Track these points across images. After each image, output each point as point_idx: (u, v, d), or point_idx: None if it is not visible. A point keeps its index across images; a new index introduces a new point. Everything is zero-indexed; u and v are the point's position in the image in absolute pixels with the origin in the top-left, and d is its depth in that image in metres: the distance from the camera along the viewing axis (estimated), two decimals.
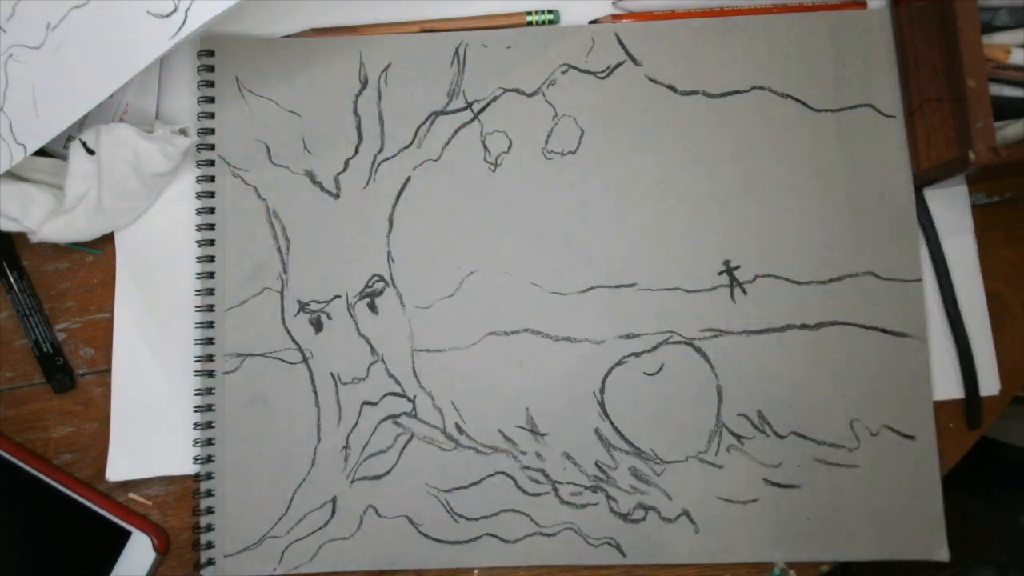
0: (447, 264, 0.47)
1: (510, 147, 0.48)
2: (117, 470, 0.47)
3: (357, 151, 0.48)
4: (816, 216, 0.47)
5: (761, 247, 0.47)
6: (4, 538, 0.46)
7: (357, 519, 0.46)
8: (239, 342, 0.47)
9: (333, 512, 0.46)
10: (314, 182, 0.48)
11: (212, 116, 0.48)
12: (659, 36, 0.48)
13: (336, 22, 0.49)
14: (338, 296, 0.47)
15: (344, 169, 0.48)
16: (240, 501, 0.46)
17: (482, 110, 0.48)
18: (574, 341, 0.46)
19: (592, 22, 0.49)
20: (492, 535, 0.46)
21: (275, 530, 0.46)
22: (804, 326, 0.46)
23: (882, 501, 0.45)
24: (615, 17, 0.49)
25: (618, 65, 0.48)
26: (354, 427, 0.46)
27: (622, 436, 0.46)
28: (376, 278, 0.47)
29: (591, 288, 0.47)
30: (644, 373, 0.46)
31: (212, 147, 0.48)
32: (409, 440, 0.46)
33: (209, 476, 0.46)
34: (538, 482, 0.46)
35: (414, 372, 0.47)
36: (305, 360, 0.47)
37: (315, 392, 0.47)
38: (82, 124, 0.46)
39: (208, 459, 0.46)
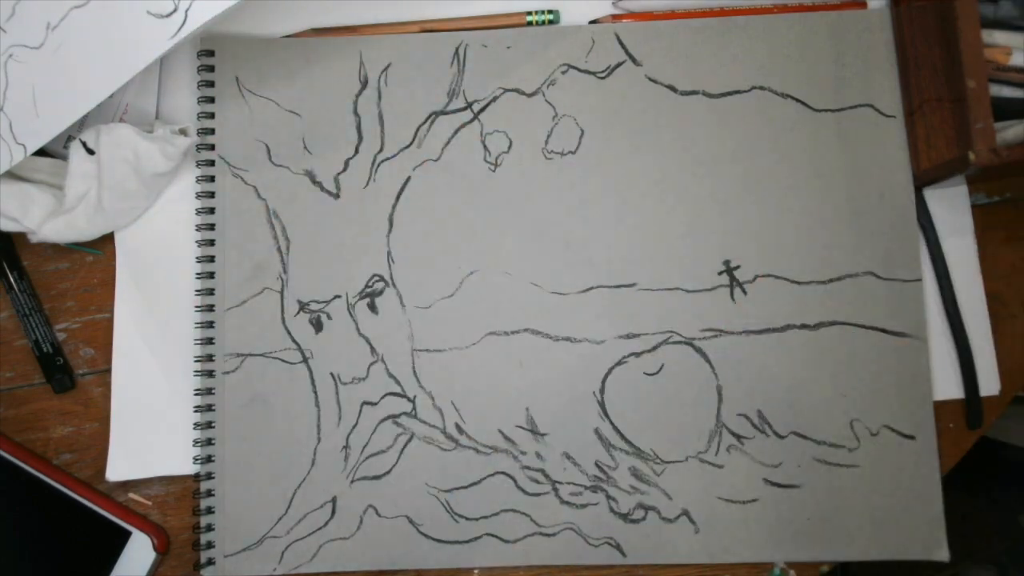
0: (447, 264, 0.47)
1: (510, 147, 0.48)
2: (117, 470, 0.47)
3: (357, 151, 0.48)
4: (816, 216, 0.47)
5: (761, 247, 0.47)
6: (4, 538, 0.46)
7: (357, 519, 0.46)
8: (239, 342, 0.47)
9: (333, 512, 0.46)
10: (314, 182, 0.48)
11: (212, 116, 0.48)
12: (659, 36, 0.48)
13: (336, 22, 0.49)
14: (338, 296, 0.47)
15: (344, 169, 0.48)
16: (240, 501, 0.46)
17: (482, 110, 0.48)
18: (574, 341, 0.46)
19: (592, 22, 0.49)
20: (492, 535, 0.46)
21: (275, 530, 0.46)
22: (804, 326, 0.46)
23: (882, 501, 0.45)
24: (615, 17, 0.49)
25: (618, 65, 0.48)
26: (354, 427, 0.46)
27: (622, 436, 0.46)
28: (376, 278, 0.47)
29: (591, 288, 0.47)
30: (644, 373, 0.46)
31: (212, 147, 0.48)
32: (409, 440, 0.46)
33: (209, 476, 0.46)
34: (538, 482, 0.46)
35: (414, 372, 0.47)
36: (305, 360, 0.47)
37: (315, 392, 0.47)
38: (82, 124, 0.46)
39: (208, 459, 0.46)
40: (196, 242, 0.47)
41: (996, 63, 0.44)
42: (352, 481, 0.46)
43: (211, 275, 0.47)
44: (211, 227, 0.47)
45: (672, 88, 0.48)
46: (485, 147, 0.48)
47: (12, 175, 0.45)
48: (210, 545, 0.46)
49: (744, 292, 0.47)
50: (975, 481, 0.49)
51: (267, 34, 0.49)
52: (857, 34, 0.48)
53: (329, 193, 0.48)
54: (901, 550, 0.45)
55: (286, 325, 0.47)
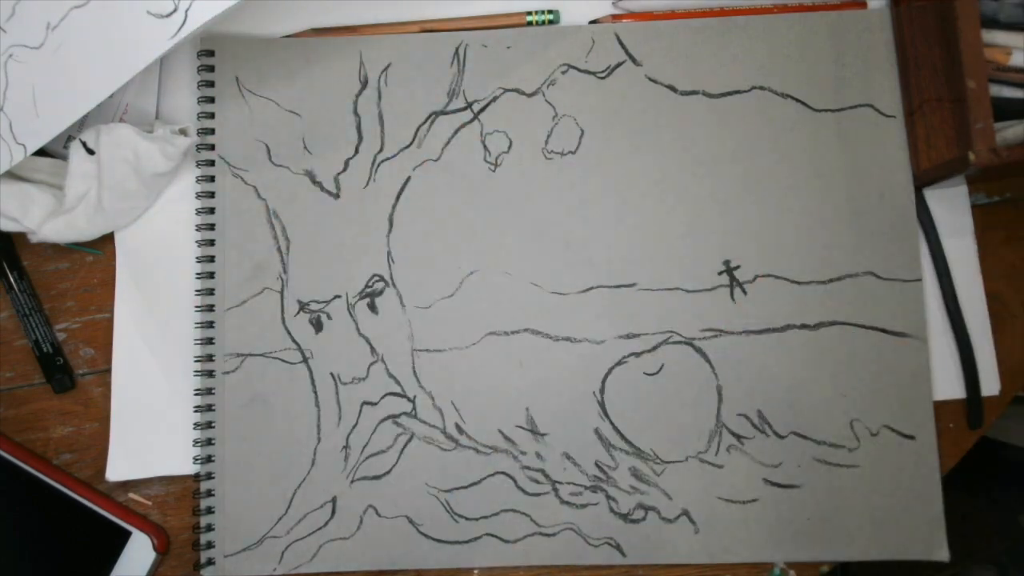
0: (447, 264, 0.47)
1: (510, 147, 0.48)
2: (117, 470, 0.47)
3: (357, 151, 0.48)
4: (816, 216, 0.47)
5: (761, 247, 0.47)
6: (4, 538, 0.46)
7: (357, 519, 0.46)
8: (239, 342, 0.47)
9: (333, 512, 0.46)
10: (314, 182, 0.48)
11: (212, 116, 0.48)
12: (659, 36, 0.48)
13: (336, 22, 0.49)
14: (338, 296, 0.47)
15: (344, 169, 0.48)
16: (240, 501, 0.46)
17: (482, 110, 0.48)
18: (574, 341, 0.46)
19: (592, 22, 0.49)
20: (492, 535, 0.46)
21: (275, 530, 0.46)
22: (804, 326, 0.46)
23: (882, 501, 0.45)
24: (615, 17, 0.49)
25: (618, 65, 0.48)
26: (354, 427, 0.46)
27: (622, 436, 0.46)
28: (376, 278, 0.47)
29: (591, 288, 0.47)
30: (644, 373, 0.46)
31: (212, 147, 0.48)
32: (409, 440, 0.46)
33: (209, 476, 0.46)
34: (538, 482, 0.46)
35: (414, 372, 0.47)
36: (305, 360, 0.47)
37: (315, 392, 0.47)
38: (82, 124, 0.46)
39: (208, 459, 0.46)
40: (196, 242, 0.47)
41: (996, 63, 0.44)
42: (352, 481, 0.46)
43: (211, 275, 0.47)
44: (211, 227, 0.47)
45: (672, 88, 0.48)
46: (485, 147, 0.48)
47: (12, 175, 0.45)
48: (210, 545, 0.46)
49: (744, 292, 0.47)
50: (975, 481, 0.49)
51: (267, 34, 0.49)
52: (857, 34, 0.48)
53: (329, 193, 0.48)
54: (901, 550, 0.45)
55: (286, 325, 0.47)
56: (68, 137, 0.46)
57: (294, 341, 0.47)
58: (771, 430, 0.46)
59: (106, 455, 0.47)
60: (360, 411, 0.46)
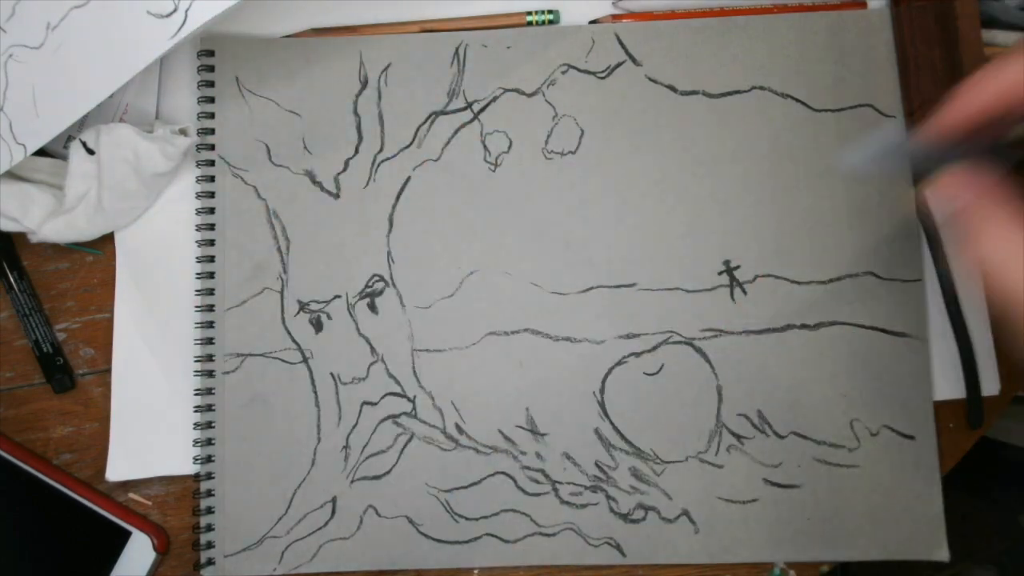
0: (447, 264, 0.47)
1: (510, 147, 0.48)
2: (117, 470, 0.47)
3: (357, 151, 0.48)
4: (816, 216, 0.47)
5: (761, 247, 0.47)
6: (4, 538, 0.46)
7: (357, 519, 0.46)
8: (239, 342, 0.47)
9: (333, 512, 0.46)
10: (314, 182, 0.48)
11: (212, 116, 0.48)
12: (659, 36, 0.48)
13: (336, 22, 0.49)
14: (338, 296, 0.47)
15: (344, 169, 0.48)
16: (240, 501, 0.46)
17: (482, 110, 0.48)
18: (574, 341, 0.46)
19: (592, 22, 0.49)
20: (492, 535, 0.46)
21: (275, 530, 0.46)
22: (804, 326, 0.46)
23: (882, 501, 0.45)
24: (615, 17, 0.49)
25: (618, 65, 0.48)
26: (354, 427, 0.46)
27: (622, 436, 0.46)
28: (376, 278, 0.47)
29: (591, 288, 0.47)
30: (644, 373, 0.46)
31: (212, 147, 0.48)
32: (409, 440, 0.46)
33: (209, 476, 0.46)
34: (538, 482, 0.46)
35: (414, 372, 0.47)
36: (305, 360, 0.47)
37: (315, 392, 0.47)
38: (82, 124, 0.46)
39: (208, 459, 0.46)
40: (196, 242, 0.47)
41: None
42: (352, 481, 0.46)
43: (211, 275, 0.47)
44: (211, 227, 0.47)
45: (672, 88, 0.48)
46: (485, 147, 0.48)
47: (12, 175, 0.45)
48: (210, 545, 0.46)
49: (744, 292, 0.47)
50: (975, 481, 0.49)
51: (267, 34, 0.49)
52: (857, 34, 0.48)
53: (329, 193, 0.48)
54: (901, 550, 0.45)
55: (286, 325, 0.47)
56: (68, 137, 0.46)
57: (294, 341, 0.47)
58: (771, 430, 0.46)
59: (106, 455, 0.47)
60: (360, 411, 0.46)
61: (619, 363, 0.46)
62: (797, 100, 0.48)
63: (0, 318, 0.49)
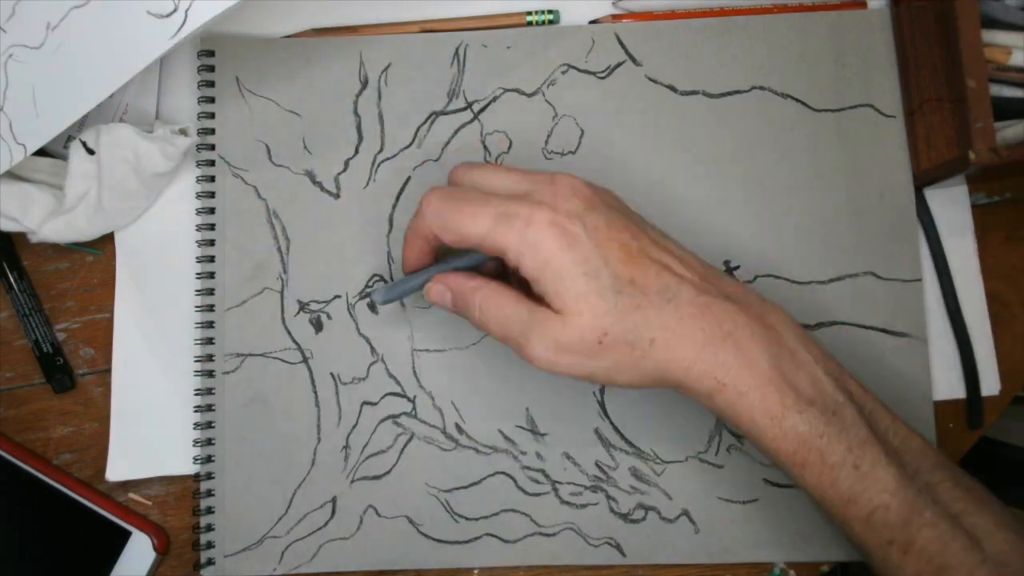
0: None
1: (510, 147, 0.48)
2: (117, 470, 0.47)
3: (357, 151, 0.48)
4: (816, 216, 0.47)
5: (761, 247, 0.47)
6: (4, 538, 0.46)
7: (357, 519, 0.46)
8: (239, 342, 0.47)
9: (333, 512, 0.46)
10: (314, 182, 0.48)
11: (212, 116, 0.48)
12: (659, 36, 0.48)
13: (336, 22, 0.49)
14: (338, 296, 0.47)
15: (344, 169, 0.48)
16: (240, 501, 0.46)
17: (482, 110, 0.48)
18: None
19: (592, 22, 0.49)
20: (492, 535, 0.46)
21: (275, 530, 0.46)
22: (804, 326, 0.46)
23: None
24: (615, 17, 0.49)
25: (618, 65, 0.48)
26: (354, 427, 0.46)
27: (622, 436, 0.46)
28: (376, 278, 0.47)
29: None
30: None
31: (212, 147, 0.48)
32: (409, 440, 0.46)
33: (209, 476, 0.46)
34: (538, 482, 0.46)
35: (414, 372, 0.47)
36: (305, 360, 0.47)
37: (315, 392, 0.47)
38: (82, 124, 0.46)
39: (208, 459, 0.46)
40: (196, 242, 0.47)
41: (996, 63, 0.44)
42: (352, 481, 0.46)
43: (211, 275, 0.47)
44: (211, 227, 0.47)
45: (672, 88, 0.48)
46: (485, 147, 0.48)
47: (12, 175, 0.45)
48: (210, 545, 0.46)
49: None
50: None
51: (267, 34, 0.49)
52: (857, 34, 0.48)
53: (329, 193, 0.48)
54: None
55: (286, 325, 0.47)
56: (68, 137, 0.46)
57: (294, 341, 0.47)
58: None
59: (106, 455, 0.47)
60: (360, 411, 0.46)
61: None
62: (797, 100, 0.48)
63: (0, 318, 0.49)
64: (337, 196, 0.48)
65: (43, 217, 0.45)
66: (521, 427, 0.46)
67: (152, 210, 0.48)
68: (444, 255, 0.42)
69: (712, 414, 0.46)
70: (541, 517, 0.46)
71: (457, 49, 0.48)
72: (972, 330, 0.47)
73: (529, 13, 0.49)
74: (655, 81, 0.48)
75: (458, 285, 0.39)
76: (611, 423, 0.46)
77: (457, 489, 0.46)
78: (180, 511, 0.47)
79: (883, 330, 0.46)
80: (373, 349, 0.47)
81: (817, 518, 0.45)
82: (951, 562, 0.34)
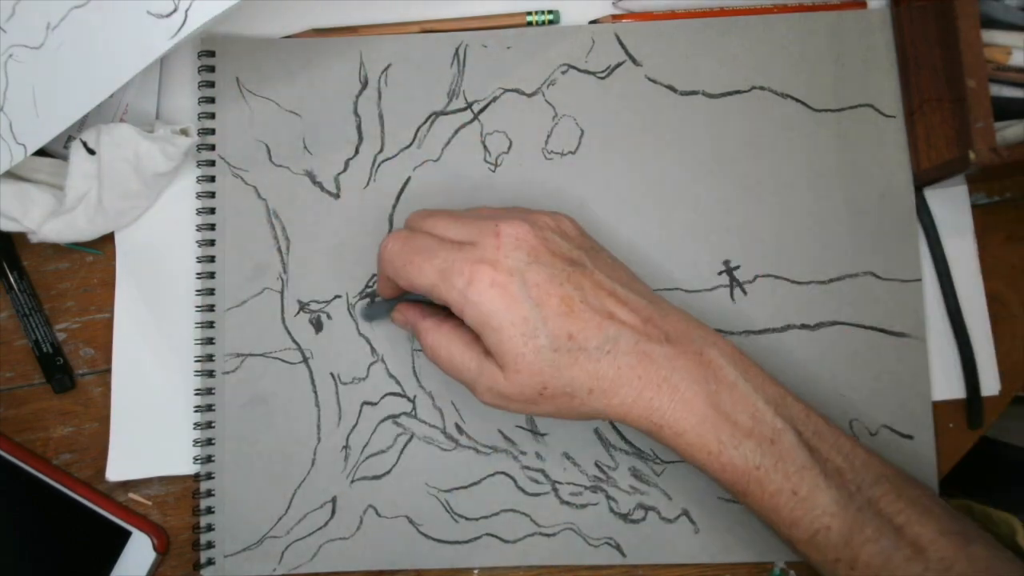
0: None
1: (510, 147, 0.48)
2: (117, 470, 0.47)
3: (357, 151, 0.48)
4: (816, 216, 0.47)
5: (761, 247, 0.47)
6: (4, 538, 0.46)
7: (357, 519, 0.46)
8: (239, 342, 0.47)
9: (333, 512, 0.46)
10: (314, 182, 0.48)
11: (212, 116, 0.48)
12: (659, 36, 0.48)
13: (336, 22, 0.49)
14: (338, 296, 0.47)
15: (344, 169, 0.48)
16: (240, 501, 0.46)
17: (482, 110, 0.48)
18: None
19: (592, 22, 0.49)
20: (492, 535, 0.46)
21: (275, 530, 0.46)
22: (804, 326, 0.46)
23: None
24: (615, 17, 0.49)
25: (618, 65, 0.48)
26: (354, 427, 0.46)
27: (622, 436, 0.46)
28: (376, 278, 0.47)
29: None
30: None
31: (212, 147, 0.48)
32: (409, 440, 0.46)
33: (209, 476, 0.46)
34: (538, 482, 0.46)
35: (414, 372, 0.47)
36: (305, 360, 0.47)
37: (315, 392, 0.47)
38: (82, 124, 0.46)
39: (208, 459, 0.46)
40: (196, 242, 0.47)
41: (996, 63, 0.44)
42: (352, 481, 0.46)
43: (211, 275, 0.47)
44: (211, 227, 0.47)
45: (672, 88, 0.48)
46: (485, 147, 0.48)
47: (12, 175, 0.45)
48: (210, 545, 0.46)
49: (744, 292, 0.47)
50: (975, 481, 0.48)
51: (267, 34, 0.49)
52: (857, 34, 0.48)
53: (329, 193, 0.48)
54: None
55: (286, 325, 0.47)
56: (68, 137, 0.47)
57: (294, 341, 0.47)
58: None
59: (106, 455, 0.47)
60: (360, 411, 0.46)
61: None
62: (797, 100, 0.48)
63: (0, 318, 0.49)
64: (337, 196, 0.48)
65: (43, 217, 0.45)
66: (521, 427, 0.46)
67: (152, 210, 0.48)
68: None
69: None
70: (541, 517, 0.46)
71: (457, 49, 0.48)
72: (972, 330, 0.47)
73: (529, 13, 0.49)
74: (655, 81, 0.48)
75: (414, 321, 0.42)
76: (611, 423, 0.46)
77: (457, 489, 0.46)
78: (180, 511, 0.47)
79: (883, 330, 0.46)
80: (373, 349, 0.47)
81: None
82: (896, 574, 0.36)
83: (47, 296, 0.49)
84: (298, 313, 0.47)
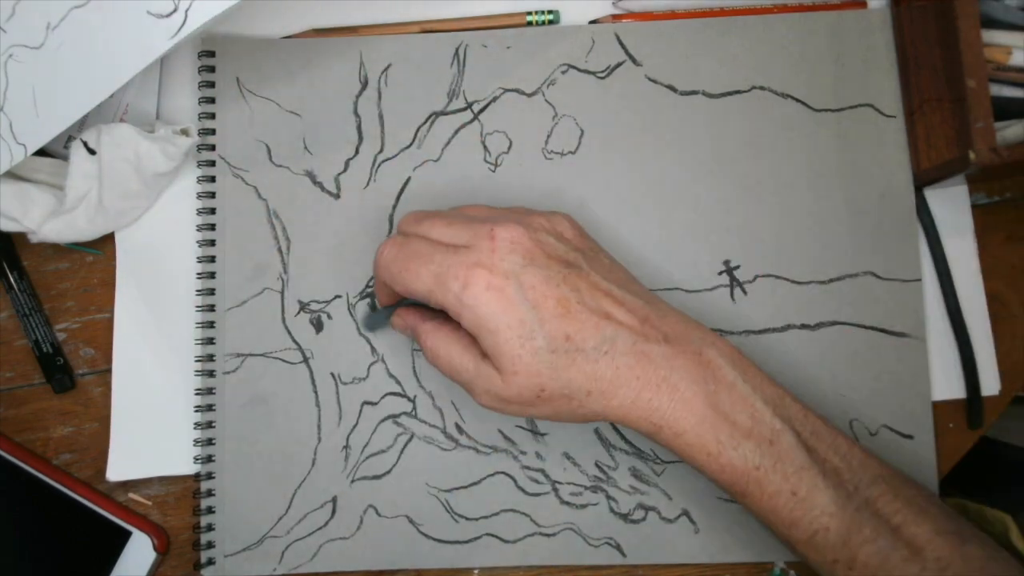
0: None
1: (510, 147, 0.48)
2: (117, 470, 0.47)
3: (357, 151, 0.48)
4: (816, 216, 0.47)
5: (761, 247, 0.47)
6: (4, 538, 0.46)
7: (357, 519, 0.46)
8: (239, 342, 0.47)
9: (333, 512, 0.46)
10: (314, 182, 0.48)
11: (213, 116, 0.48)
12: (659, 36, 0.48)
13: (336, 22, 0.49)
14: (338, 296, 0.47)
15: (344, 169, 0.48)
16: (240, 501, 0.46)
17: (482, 110, 0.48)
18: None
19: (592, 22, 0.49)
20: (492, 535, 0.46)
21: (275, 530, 0.46)
22: (804, 326, 0.46)
23: None
24: (615, 17, 0.49)
25: (618, 65, 0.48)
26: (354, 427, 0.46)
27: (622, 436, 0.46)
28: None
29: None
30: None
31: (212, 147, 0.48)
32: (409, 440, 0.46)
33: (209, 476, 0.46)
34: (538, 482, 0.46)
35: (414, 372, 0.47)
36: (305, 360, 0.47)
37: (315, 392, 0.47)
38: (82, 124, 0.46)
39: (208, 459, 0.46)
40: (196, 242, 0.47)
41: (996, 63, 0.44)
42: (352, 481, 0.46)
43: (211, 275, 0.47)
44: (211, 227, 0.47)
45: (672, 88, 0.48)
46: (485, 147, 0.48)
47: (12, 175, 0.45)
48: (210, 545, 0.46)
49: (744, 292, 0.47)
50: (975, 481, 0.48)
51: (267, 34, 0.49)
52: (857, 34, 0.48)
53: (329, 193, 0.48)
54: None
55: (286, 325, 0.47)
56: (68, 137, 0.47)
57: (294, 341, 0.47)
58: None
59: (106, 455, 0.47)
60: (360, 411, 0.46)
61: None
62: (797, 100, 0.48)
63: (0, 318, 0.49)
64: (337, 196, 0.48)
65: (43, 217, 0.45)
66: (521, 427, 0.46)
67: (152, 210, 0.48)
68: None
69: None
70: (541, 517, 0.46)
71: (457, 49, 0.48)
72: (972, 330, 0.47)
73: (529, 13, 0.49)
74: (655, 81, 0.48)
75: (414, 324, 0.42)
76: (611, 423, 0.46)
77: (457, 489, 0.46)
78: (180, 511, 0.47)
79: (883, 330, 0.46)
80: (373, 349, 0.47)
81: None
82: (893, 574, 0.36)
83: (47, 296, 0.49)
84: (298, 313, 0.47)
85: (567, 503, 0.46)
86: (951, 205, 0.48)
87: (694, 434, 0.37)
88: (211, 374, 0.47)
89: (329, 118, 0.48)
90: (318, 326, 0.47)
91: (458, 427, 0.46)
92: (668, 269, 0.47)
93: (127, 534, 0.46)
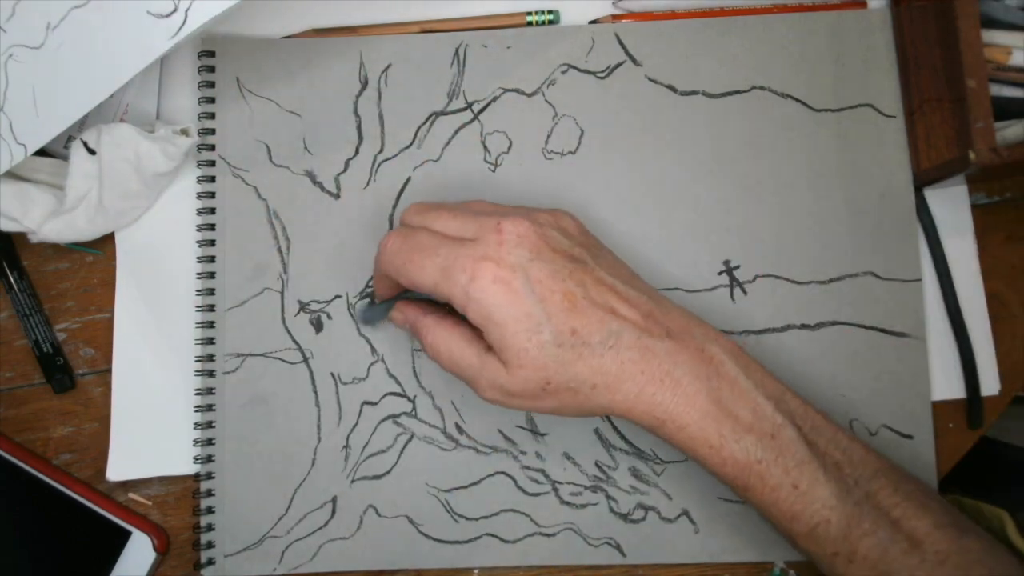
0: None
1: (510, 147, 0.48)
2: (117, 470, 0.47)
3: (357, 151, 0.48)
4: (816, 216, 0.47)
5: (761, 247, 0.47)
6: (4, 538, 0.46)
7: (357, 519, 0.46)
8: (239, 342, 0.47)
9: (333, 512, 0.46)
10: (314, 182, 0.48)
11: (213, 116, 0.48)
12: (659, 36, 0.48)
13: (336, 22, 0.49)
14: (338, 296, 0.47)
15: (344, 169, 0.48)
16: (240, 501, 0.46)
17: (482, 110, 0.48)
18: None
19: (592, 22, 0.49)
20: (492, 535, 0.46)
21: (275, 530, 0.46)
22: (804, 326, 0.46)
23: None
24: (615, 17, 0.49)
25: (618, 65, 0.48)
26: (354, 427, 0.46)
27: (622, 436, 0.46)
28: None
29: None
30: None
31: (212, 147, 0.48)
32: (409, 440, 0.46)
33: (209, 476, 0.46)
34: (538, 482, 0.46)
35: (414, 372, 0.47)
36: (305, 360, 0.47)
37: (315, 392, 0.47)
38: (82, 124, 0.46)
39: (208, 459, 0.46)
40: (196, 242, 0.47)
41: (996, 63, 0.44)
42: (352, 481, 0.46)
43: (211, 275, 0.47)
44: (211, 227, 0.47)
45: (672, 88, 0.48)
46: (485, 147, 0.48)
47: (12, 175, 0.45)
48: (210, 545, 0.46)
49: (744, 292, 0.47)
50: (975, 481, 0.49)
51: (267, 34, 0.49)
52: (857, 34, 0.48)
53: (329, 193, 0.48)
54: None
55: (286, 325, 0.47)
56: (68, 137, 0.47)
57: (294, 341, 0.47)
58: None
59: (106, 455, 0.47)
60: (360, 411, 0.46)
61: None
62: (797, 100, 0.48)
63: (0, 318, 0.49)
64: (337, 196, 0.48)
65: (43, 217, 0.45)
66: (521, 427, 0.46)
67: (152, 210, 0.48)
68: None
69: None
70: (541, 517, 0.46)
71: (457, 49, 0.48)
72: (972, 330, 0.47)
73: (529, 13, 0.49)
74: (655, 81, 0.48)
75: (414, 319, 0.42)
76: (611, 423, 0.46)
77: (457, 489, 0.46)
78: (180, 511, 0.47)
79: (883, 330, 0.46)
80: (373, 349, 0.47)
81: None
82: (893, 567, 0.36)
83: (47, 296, 0.49)
84: (298, 313, 0.47)
85: (567, 503, 0.46)
86: (951, 205, 0.48)
87: (697, 428, 0.38)
88: (211, 374, 0.47)
89: (329, 118, 0.48)
90: (318, 326, 0.47)
91: (458, 427, 0.46)
92: (668, 269, 0.47)
93: (127, 534, 0.46)
